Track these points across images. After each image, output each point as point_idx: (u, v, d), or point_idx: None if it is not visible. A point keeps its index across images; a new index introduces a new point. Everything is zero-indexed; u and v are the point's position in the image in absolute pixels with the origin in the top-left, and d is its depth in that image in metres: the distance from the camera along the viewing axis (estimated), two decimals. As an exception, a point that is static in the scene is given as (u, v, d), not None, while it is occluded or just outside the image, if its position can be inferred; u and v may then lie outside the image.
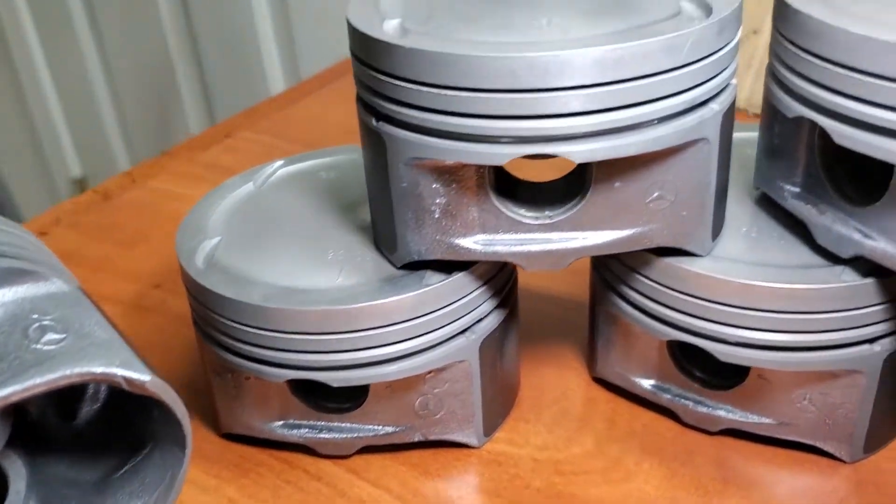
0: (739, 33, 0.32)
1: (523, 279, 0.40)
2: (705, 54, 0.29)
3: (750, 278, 0.33)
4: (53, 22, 1.38)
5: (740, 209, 0.37)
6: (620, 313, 0.37)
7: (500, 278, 0.36)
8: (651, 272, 0.35)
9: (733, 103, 0.33)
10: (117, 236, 0.56)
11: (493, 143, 0.30)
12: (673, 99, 0.29)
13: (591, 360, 0.41)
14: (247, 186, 0.41)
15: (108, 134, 1.48)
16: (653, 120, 0.30)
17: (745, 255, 0.34)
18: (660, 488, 0.36)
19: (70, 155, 1.58)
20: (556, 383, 0.42)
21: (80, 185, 1.63)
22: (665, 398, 0.38)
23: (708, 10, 0.30)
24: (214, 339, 0.36)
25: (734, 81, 0.33)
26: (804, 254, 0.34)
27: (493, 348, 0.37)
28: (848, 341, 0.33)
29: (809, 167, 0.34)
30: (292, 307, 0.33)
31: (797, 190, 0.35)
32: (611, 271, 0.37)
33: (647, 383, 0.39)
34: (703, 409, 0.37)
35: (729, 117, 0.32)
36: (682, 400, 0.38)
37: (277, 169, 0.43)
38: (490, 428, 0.39)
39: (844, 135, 0.29)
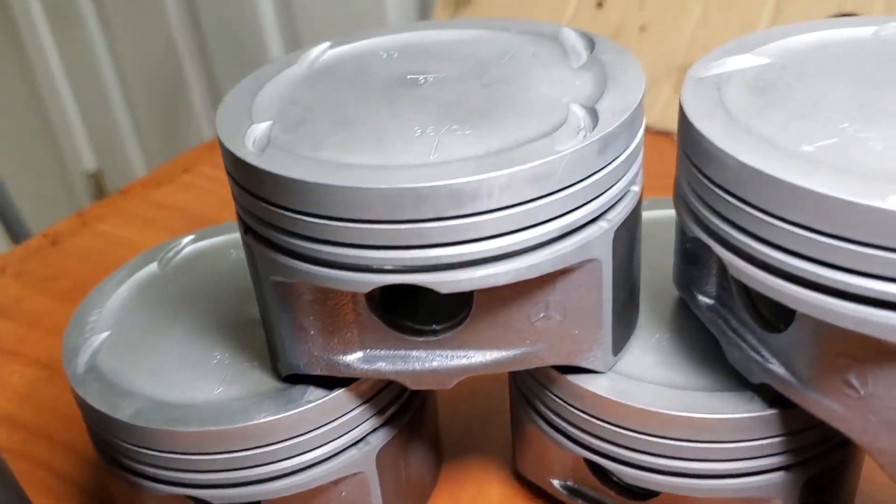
0: (641, 133, 0.30)
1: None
2: (583, 177, 0.27)
3: (650, 403, 0.30)
4: (65, 19, 1.38)
5: (661, 306, 0.35)
6: (533, 422, 0.35)
7: (392, 389, 0.34)
8: (554, 388, 0.32)
9: (634, 210, 0.30)
10: (58, 288, 0.55)
11: (354, 270, 0.27)
12: (546, 226, 0.27)
13: (512, 454, 0.39)
14: (150, 268, 0.40)
15: (120, 129, 1.48)
16: (524, 249, 0.27)
17: (650, 372, 0.32)
18: None
19: (84, 150, 1.58)
20: (476, 476, 0.40)
21: (95, 179, 1.63)
22: (580, 502, 0.36)
23: (595, 121, 0.28)
24: (99, 446, 0.34)
25: (636, 188, 0.30)
26: (714, 373, 0.31)
27: (393, 455, 0.35)
28: (758, 469, 0.30)
29: (722, 280, 0.31)
30: (161, 427, 0.31)
31: (710, 302, 0.32)
32: (523, 381, 0.35)
33: (562, 485, 0.36)
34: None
35: (628, 227, 0.30)
36: (595, 505, 0.36)
37: (185, 246, 0.41)
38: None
39: (739, 269, 0.27)
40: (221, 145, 0.29)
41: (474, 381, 0.32)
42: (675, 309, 0.35)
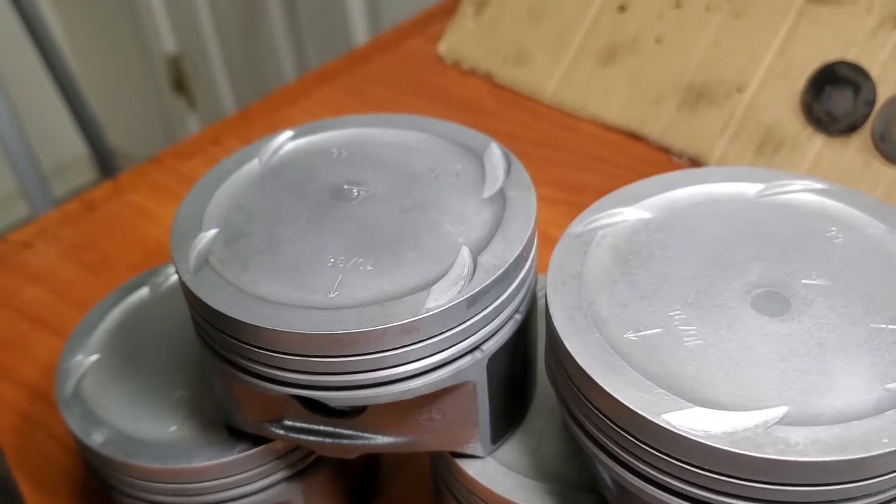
0: (526, 269, 0.34)
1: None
2: (451, 327, 0.32)
3: (503, 490, 0.36)
4: None
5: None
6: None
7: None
8: (444, 467, 0.38)
9: (514, 335, 0.35)
10: (87, 258, 0.62)
11: (266, 381, 0.33)
12: (418, 363, 0.32)
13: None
14: (142, 291, 0.46)
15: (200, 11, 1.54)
16: (401, 378, 0.33)
17: (523, 459, 0.37)
18: None
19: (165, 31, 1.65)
20: None
21: (175, 63, 1.71)
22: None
23: (473, 270, 0.32)
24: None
25: (518, 316, 0.35)
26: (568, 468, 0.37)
27: (322, 489, 0.42)
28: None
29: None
30: (122, 459, 0.38)
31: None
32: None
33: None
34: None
35: (509, 349, 0.35)
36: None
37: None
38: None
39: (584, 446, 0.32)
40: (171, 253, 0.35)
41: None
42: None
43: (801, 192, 0.35)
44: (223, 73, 1.66)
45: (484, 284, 0.32)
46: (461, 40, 0.80)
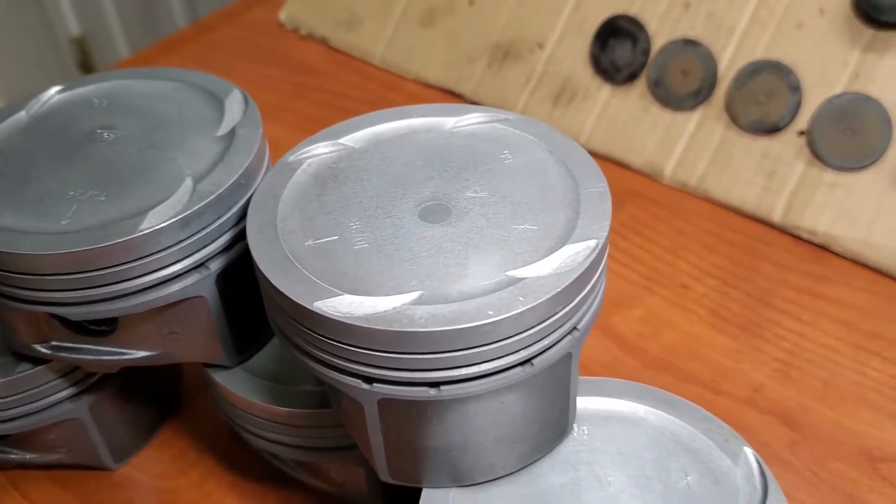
0: (243, 201, 0.39)
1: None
2: (167, 245, 0.37)
3: (247, 393, 0.41)
4: None
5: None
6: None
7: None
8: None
9: (243, 255, 0.40)
10: None
11: (19, 301, 0.38)
12: (144, 278, 0.37)
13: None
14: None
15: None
16: (132, 292, 0.37)
17: (266, 365, 0.42)
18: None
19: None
20: (195, 425, 0.52)
21: (80, 45, 1.72)
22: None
23: (191, 196, 0.37)
24: None
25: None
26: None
27: (109, 406, 0.46)
28: (340, 445, 0.42)
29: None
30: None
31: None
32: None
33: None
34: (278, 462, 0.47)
35: (240, 269, 0.40)
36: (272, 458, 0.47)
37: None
38: (122, 456, 0.49)
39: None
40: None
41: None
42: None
43: (487, 122, 0.40)
44: (127, 53, 1.68)
45: (196, 207, 0.37)
46: (300, 8, 0.84)
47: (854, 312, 0.55)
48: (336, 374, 0.33)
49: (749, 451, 0.37)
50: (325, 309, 0.32)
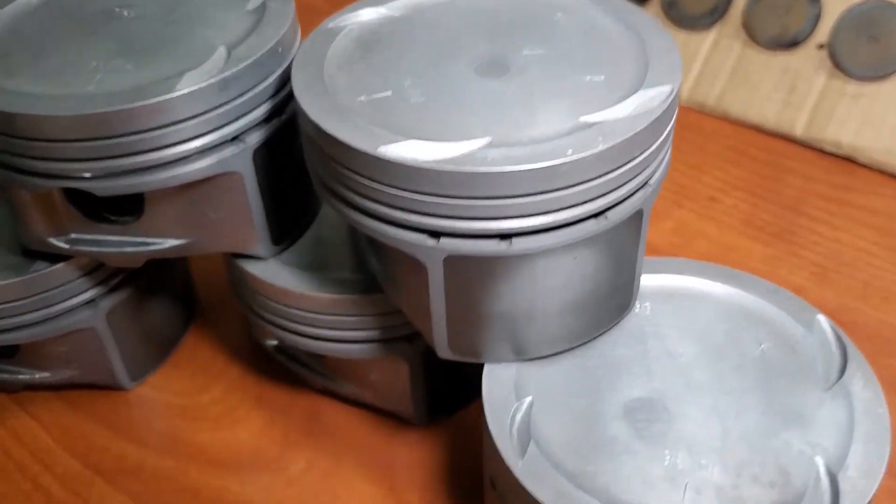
0: (279, 72, 0.36)
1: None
2: (205, 110, 0.34)
3: (287, 283, 0.39)
4: None
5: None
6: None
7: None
8: (231, 266, 0.41)
9: (279, 131, 0.37)
10: None
11: (36, 175, 0.35)
12: (178, 147, 0.34)
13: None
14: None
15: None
16: (164, 164, 0.35)
17: (302, 258, 0.40)
18: (253, 436, 0.44)
19: None
20: (219, 340, 0.49)
21: None
22: (283, 359, 0.45)
23: (226, 61, 0.35)
24: None
25: (284, 116, 0.37)
26: (350, 262, 0.40)
27: (126, 315, 0.44)
28: (385, 338, 0.39)
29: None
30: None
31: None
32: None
33: (271, 344, 0.45)
34: (307, 371, 0.44)
35: (278, 146, 0.37)
36: (294, 362, 0.45)
37: None
38: (138, 374, 0.46)
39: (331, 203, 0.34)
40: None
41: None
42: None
43: (534, -13, 0.38)
44: None
45: (234, 70, 0.34)
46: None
47: (885, 218, 0.54)
48: (400, 231, 0.31)
49: (823, 319, 0.36)
50: (390, 154, 0.30)
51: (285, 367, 0.46)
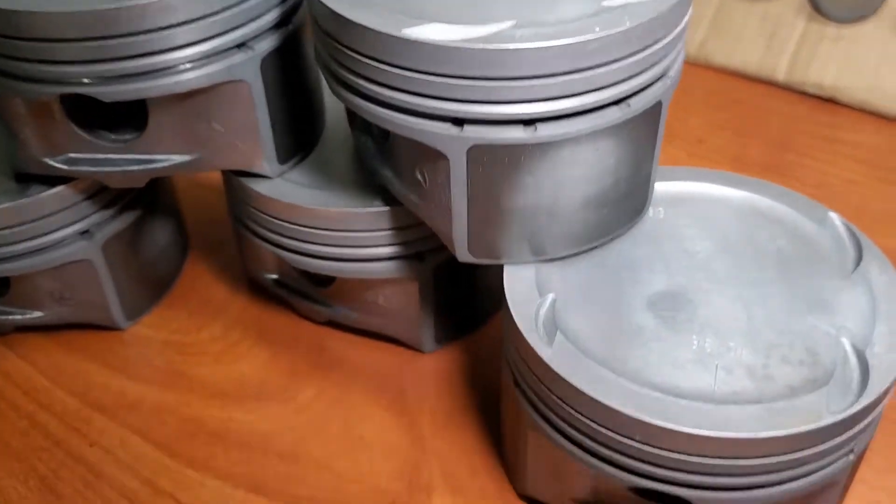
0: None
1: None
2: (210, 11, 0.33)
3: (296, 200, 0.38)
4: None
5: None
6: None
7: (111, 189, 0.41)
8: (235, 189, 0.40)
9: (288, 40, 0.36)
10: None
11: (29, 82, 0.34)
12: (186, 50, 0.34)
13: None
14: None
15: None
16: (168, 68, 0.34)
17: (308, 178, 0.39)
18: (257, 370, 0.43)
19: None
20: (214, 276, 0.48)
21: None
22: (283, 293, 0.44)
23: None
24: None
25: (291, 27, 0.37)
26: (358, 180, 0.39)
27: (122, 248, 0.42)
28: (395, 255, 0.39)
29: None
30: None
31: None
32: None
33: (270, 278, 0.44)
34: (309, 303, 0.43)
35: (285, 56, 0.36)
36: (296, 295, 0.44)
37: None
38: (133, 313, 0.45)
39: (349, 100, 0.33)
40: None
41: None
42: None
43: None
44: None
45: (244, -31, 0.34)
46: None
47: (870, 152, 0.55)
48: (423, 121, 0.31)
49: (835, 216, 0.36)
50: (416, 35, 0.29)
51: (285, 305, 0.45)
